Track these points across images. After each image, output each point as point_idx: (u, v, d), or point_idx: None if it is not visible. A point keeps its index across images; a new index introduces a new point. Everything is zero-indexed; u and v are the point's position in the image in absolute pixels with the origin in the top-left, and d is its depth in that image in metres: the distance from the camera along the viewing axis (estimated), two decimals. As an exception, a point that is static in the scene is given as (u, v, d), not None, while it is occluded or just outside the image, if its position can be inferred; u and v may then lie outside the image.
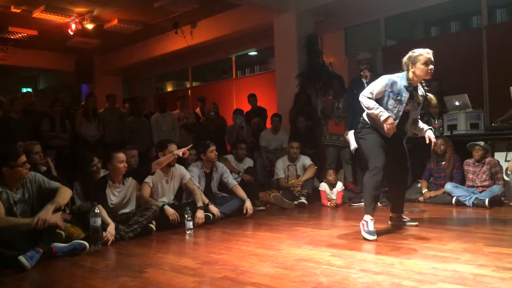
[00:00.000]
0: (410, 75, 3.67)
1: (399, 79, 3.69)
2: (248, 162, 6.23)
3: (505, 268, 2.62)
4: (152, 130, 7.44)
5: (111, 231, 3.90)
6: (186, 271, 2.90)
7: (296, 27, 7.80)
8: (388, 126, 3.58)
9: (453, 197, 5.31)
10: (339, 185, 5.90)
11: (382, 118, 3.60)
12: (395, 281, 2.48)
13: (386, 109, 3.67)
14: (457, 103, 5.79)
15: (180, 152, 4.55)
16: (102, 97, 8.75)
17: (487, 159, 5.38)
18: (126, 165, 4.31)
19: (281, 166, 6.22)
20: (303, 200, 5.76)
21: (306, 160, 6.20)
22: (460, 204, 5.23)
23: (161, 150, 4.76)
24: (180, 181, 4.86)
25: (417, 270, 2.68)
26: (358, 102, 5.61)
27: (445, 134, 5.81)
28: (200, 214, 4.59)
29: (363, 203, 5.65)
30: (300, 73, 7.65)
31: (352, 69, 7.28)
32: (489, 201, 4.98)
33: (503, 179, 5.34)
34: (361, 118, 3.93)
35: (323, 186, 5.90)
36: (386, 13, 7.81)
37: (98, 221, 3.79)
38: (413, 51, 3.67)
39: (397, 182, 4.08)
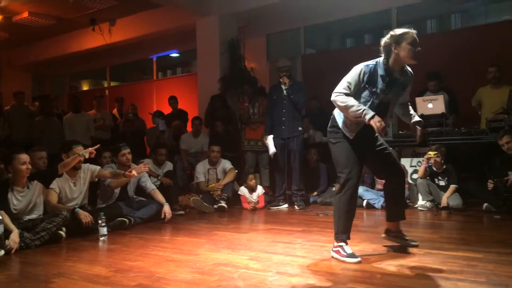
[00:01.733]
0: (391, 59, 3.04)
1: (376, 66, 3.07)
2: (168, 166, 6.10)
3: (409, 267, 2.82)
4: (64, 131, 7.04)
5: (14, 238, 3.61)
6: (97, 280, 2.76)
7: (218, 31, 7.83)
8: (377, 124, 2.87)
9: (364, 200, 5.61)
10: (260, 189, 5.99)
11: (367, 117, 2.89)
12: (309, 282, 2.56)
13: (358, 100, 3.02)
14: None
15: (86, 153, 4.28)
16: (9, 94, 8.12)
17: (395, 164, 5.75)
18: (30, 167, 4.00)
19: (201, 170, 6.18)
20: (223, 204, 5.75)
21: (226, 164, 6.21)
22: (370, 206, 5.55)
23: (65, 151, 4.48)
24: (89, 179, 4.63)
25: (329, 271, 2.80)
26: (277, 108, 5.83)
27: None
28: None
29: (281, 206, 5.87)
30: (222, 77, 7.68)
31: (273, 75, 7.44)
32: (396, 203, 5.32)
33: (408, 182, 5.74)
34: (332, 119, 3.26)
35: (243, 191, 5.95)
36: (306, 22, 8.10)
37: (0, 228, 3.49)
38: (394, 30, 3.06)
39: (392, 187, 3.36)
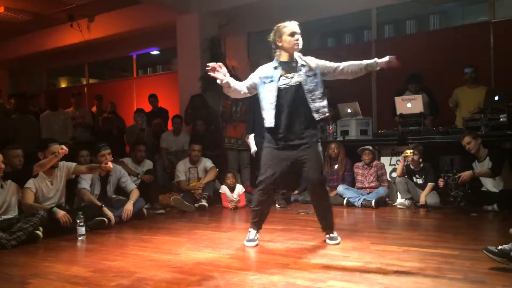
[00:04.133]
0: (278, 53, 3.41)
1: (270, 64, 3.44)
2: (148, 164, 6.05)
3: (388, 264, 2.85)
4: (42, 129, 6.90)
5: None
6: (75, 281, 2.72)
7: (199, 29, 7.78)
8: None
9: (344, 198, 5.66)
10: (239, 187, 5.98)
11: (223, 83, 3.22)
12: (289, 281, 2.56)
13: (262, 98, 3.38)
14: (349, 110, 6.18)
15: (62, 152, 4.16)
16: (-16, 91, 7.93)
17: (374, 163, 5.82)
18: (3, 166, 3.91)
19: (182, 169, 6.13)
20: (203, 202, 5.73)
21: (207, 163, 6.18)
22: (350, 205, 5.59)
23: (42, 150, 4.37)
24: (66, 176, 4.55)
25: (310, 269, 2.81)
26: (259, 106, 5.81)
27: (338, 139, 6.17)
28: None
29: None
30: (203, 76, 7.64)
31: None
32: (375, 202, 5.40)
33: (387, 180, 5.82)
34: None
35: (224, 189, 5.94)
36: (287, 21, 8.08)
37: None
38: (277, 25, 3.43)
39: (312, 196, 3.59)
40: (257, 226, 3.61)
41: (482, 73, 6.00)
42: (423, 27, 7.43)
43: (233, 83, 3.34)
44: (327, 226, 3.57)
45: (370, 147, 5.82)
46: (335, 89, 6.96)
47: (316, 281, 2.54)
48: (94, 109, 8.70)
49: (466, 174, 4.76)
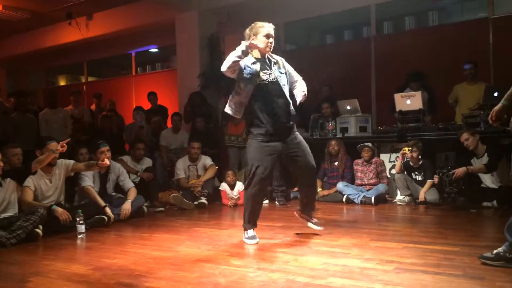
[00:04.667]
0: (250, 49, 3.45)
1: (246, 60, 3.44)
2: (147, 162, 6.05)
3: (388, 261, 2.85)
4: (41, 127, 6.89)
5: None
6: (75, 279, 2.72)
7: (198, 26, 7.77)
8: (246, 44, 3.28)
9: (344, 195, 5.66)
10: (240, 185, 5.98)
11: (243, 46, 3.27)
12: (289, 278, 2.56)
13: (249, 94, 3.42)
14: (348, 107, 6.18)
15: (59, 147, 4.15)
16: (-18, 89, 7.92)
17: (374, 159, 5.83)
18: (2, 164, 3.91)
19: (181, 166, 6.13)
20: (203, 200, 5.73)
21: (207, 160, 6.18)
22: (350, 201, 5.60)
23: (39, 148, 4.38)
24: (65, 174, 4.55)
25: (309, 266, 2.81)
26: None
27: (337, 136, 6.17)
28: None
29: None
30: (202, 73, 7.63)
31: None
32: (375, 198, 5.40)
33: (387, 177, 5.82)
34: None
35: (224, 186, 5.94)
36: (286, 18, 8.11)
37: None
38: (255, 22, 3.48)
39: (305, 181, 3.69)
40: (253, 223, 3.64)
41: (481, 69, 6.00)
42: (422, 23, 7.43)
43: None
44: (311, 208, 3.84)
45: (370, 144, 5.82)
46: (334, 87, 7.02)
47: (316, 278, 2.54)
48: (93, 107, 8.69)
49: (460, 171, 4.79)
